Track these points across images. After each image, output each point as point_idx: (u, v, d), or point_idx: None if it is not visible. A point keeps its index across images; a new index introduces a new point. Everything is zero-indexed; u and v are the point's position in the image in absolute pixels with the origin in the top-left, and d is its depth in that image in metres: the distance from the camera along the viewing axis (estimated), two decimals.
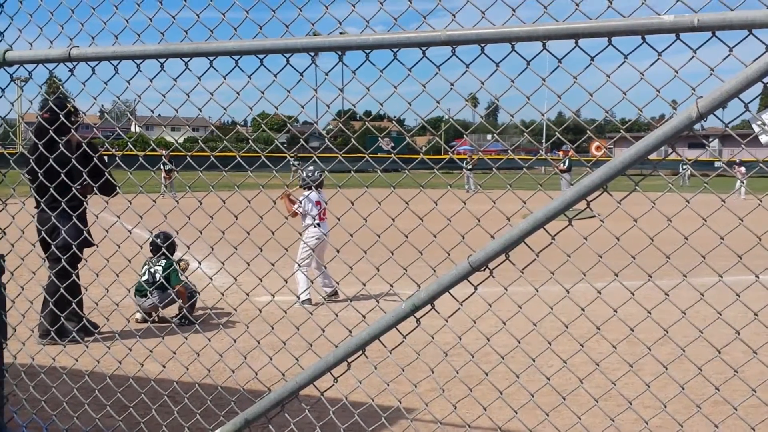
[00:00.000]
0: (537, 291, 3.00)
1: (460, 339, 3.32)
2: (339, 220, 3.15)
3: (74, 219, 4.01)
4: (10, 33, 3.45)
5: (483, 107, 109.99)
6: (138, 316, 8.69)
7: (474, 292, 2.91)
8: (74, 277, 4.11)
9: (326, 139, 3.45)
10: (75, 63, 3.34)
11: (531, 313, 3.08)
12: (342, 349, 3.03)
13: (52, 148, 4.15)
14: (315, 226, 9.94)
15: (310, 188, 10.26)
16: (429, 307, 2.90)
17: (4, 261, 3.55)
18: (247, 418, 3.22)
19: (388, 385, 3.53)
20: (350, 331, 3.16)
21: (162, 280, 8.49)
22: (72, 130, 4.40)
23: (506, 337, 3.52)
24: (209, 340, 3.70)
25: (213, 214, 3.23)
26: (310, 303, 9.68)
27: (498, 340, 3.52)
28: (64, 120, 4.08)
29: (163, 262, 8.69)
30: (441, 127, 4.28)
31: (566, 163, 26.67)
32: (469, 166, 37.73)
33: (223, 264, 3.42)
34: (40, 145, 3.97)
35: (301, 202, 9.99)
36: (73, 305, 4.07)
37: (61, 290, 4.04)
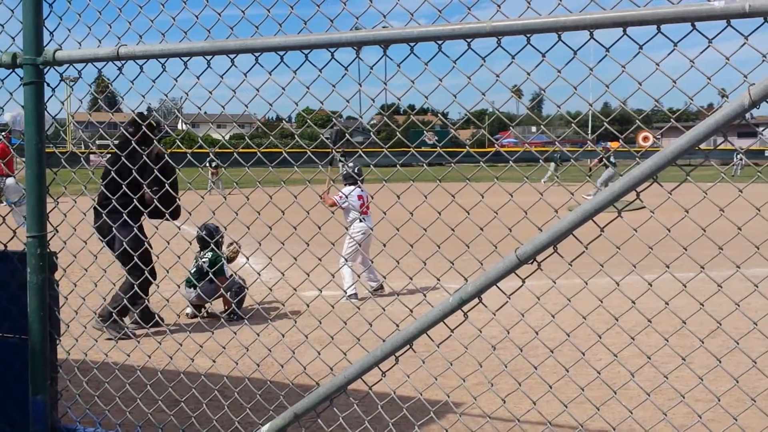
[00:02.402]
0: (586, 283, 2.97)
1: (508, 332, 3.30)
2: (385, 214, 3.14)
3: (135, 230, 4.21)
4: (59, 33, 3.51)
5: (526, 99, 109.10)
6: (188, 311, 8.79)
7: (522, 285, 2.89)
8: (146, 274, 4.24)
9: (372, 134, 3.45)
10: (123, 61, 3.38)
11: (580, 306, 3.05)
12: (389, 344, 3.02)
13: (133, 158, 4.40)
14: (360, 221, 9.96)
15: (353, 183, 10.28)
16: (476, 300, 2.89)
17: (56, 258, 3.61)
18: (296, 413, 3.24)
19: (436, 379, 3.51)
20: (397, 326, 3.16)
21: (209, 271, 8.58)
22: (155, 141, 4.64)
23: (554, 331, 3.49)
24: (258, 335, 3.72)
25: (260, 209, 3.25)
26: (356, 297, 9.71)
27: (546, 333, 3.49)
28: (148, 132, 4.27)
29: (209, 254, 8.78)
30: (484, 121, 4.27)
31: (611, 157, 26.36)
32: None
33: (271, 259, 3.44)
34: (122, 156, 4.19)
35: (346, 197, 10.00)
36: (146, 302, 4.25)
37: (135, 287, 4.32)
